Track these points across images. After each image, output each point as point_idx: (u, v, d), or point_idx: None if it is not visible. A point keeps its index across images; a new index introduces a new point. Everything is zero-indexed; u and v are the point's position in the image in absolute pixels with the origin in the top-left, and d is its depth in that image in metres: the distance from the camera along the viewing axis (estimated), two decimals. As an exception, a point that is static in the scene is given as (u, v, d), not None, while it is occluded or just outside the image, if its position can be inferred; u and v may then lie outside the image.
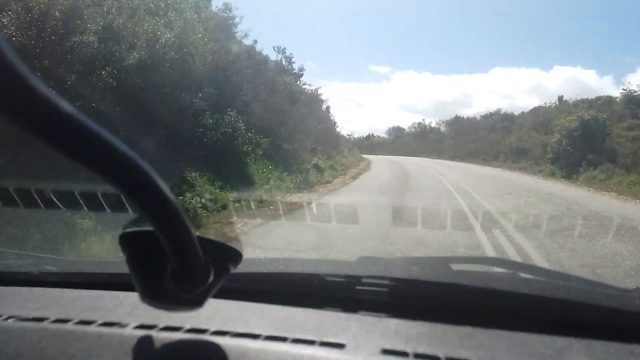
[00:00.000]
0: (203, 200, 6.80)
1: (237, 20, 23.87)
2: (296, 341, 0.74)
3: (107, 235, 4.84)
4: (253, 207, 8.12)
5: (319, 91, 30.23)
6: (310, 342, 0.74)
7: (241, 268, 0.60)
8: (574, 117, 21.75)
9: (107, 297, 0.95)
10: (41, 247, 4.41)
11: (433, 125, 65.56)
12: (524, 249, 5.27)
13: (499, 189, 12.72)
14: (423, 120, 77.50)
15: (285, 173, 12.87)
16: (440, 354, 0.71)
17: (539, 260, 4.78)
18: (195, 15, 10.21)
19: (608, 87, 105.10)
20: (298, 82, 27.01)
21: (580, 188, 14.77)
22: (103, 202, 3.64)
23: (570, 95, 40.34)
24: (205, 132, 9.85)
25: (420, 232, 5.79)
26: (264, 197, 9.59)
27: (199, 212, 6.75)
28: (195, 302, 0.56)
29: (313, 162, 15.86)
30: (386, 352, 0.72)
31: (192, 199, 6.65)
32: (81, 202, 3.78)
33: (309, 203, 9.00)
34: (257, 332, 0.76)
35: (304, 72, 27.64)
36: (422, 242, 5.37)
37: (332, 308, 0.89)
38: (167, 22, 8.38)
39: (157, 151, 6.90)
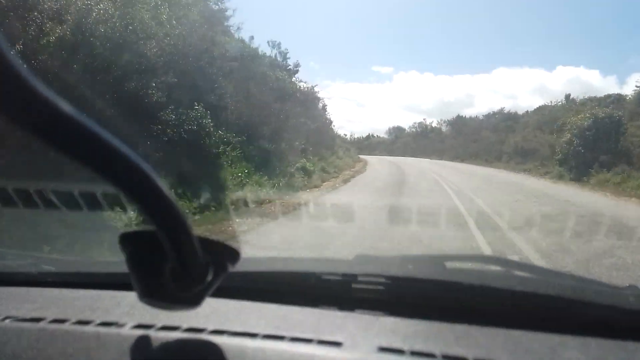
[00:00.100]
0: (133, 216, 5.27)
1: (229, 12, 22.45)
2: (294, 340, 0.74)
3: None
4: (213, 219, 6.72)
5: (316, 89, 28.79)
6: (308, 341, 0.74)
7: (239, 267, 0.59)
8: (587, 115, 20.14)
9: (105, 297, 0.94)
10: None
11: (434, 125, 64.07)
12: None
13: (506, 195, 11.18)
14: (424, 120, 76.13)
15: (266, 177, 11.36)
16: (437, 352, 0.71)
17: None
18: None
19: (612, 87, 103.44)
20: (293, 78, 25.55)
21: (595, 193, 13.21)
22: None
23: (575, 95, 38.74)
24: (165, 130, 8.35)
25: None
26: (232, 207, 8.12)
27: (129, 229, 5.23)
28: (193, 300, 0.55)
29: (300, 164, 14.35)
30: (383, 349, 0.72)
31: (120, 215, 5.12)
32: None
33: (282, 214, 7.52)
34: (254, 330, 0.76)
35: (299, 69, 26.16)
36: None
37: (329, 306, 0.89)
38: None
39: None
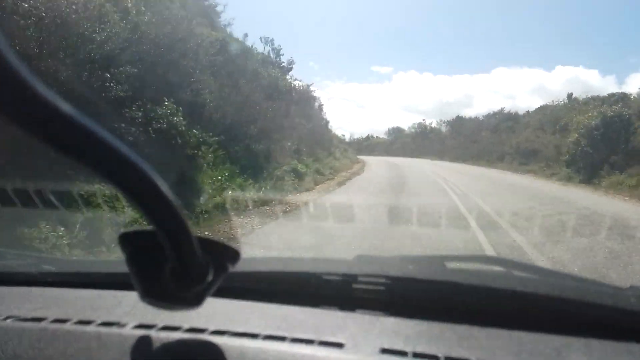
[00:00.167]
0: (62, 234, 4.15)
1: (219, 8, 21.31)
2: (295, 340, 0.73)
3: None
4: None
5: (312, 87, 27.70)
6: (309, 342, 0.73)
7: (239, 267, 0.59)
8: (595, 114, 19.03)
9: (106, 297, 0.93)
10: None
11: (434, 125, 62.98)
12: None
13: (517, 200, 10.06)
14: (423, 120, 74.89)
15: (251, 181, 10.24)
16: (439, 354, 0.70)
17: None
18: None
19: (611, 87, 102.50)
20: (287, 76, 24.45)
21: (612, 197, 12.06)
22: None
23: (576, 94, 37.83)
24: (129, 129, 7.23)
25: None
26: (205, 215, 7.02)
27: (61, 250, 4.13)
28: (194, 301, 0.55)
29: (291, 165, 13.23)
30: (385, 351, 0.71)
31: (46, 237, 3.99)
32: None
33: (261, 224, 6.41)
34: (255, 331, 0.75)
35: (293, 66, 25.08)
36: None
37: (330, 307, 0.88)
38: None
39: (32, 156, 4.37)
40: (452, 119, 58.37)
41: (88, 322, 0.78)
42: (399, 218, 7.24)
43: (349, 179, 15.58)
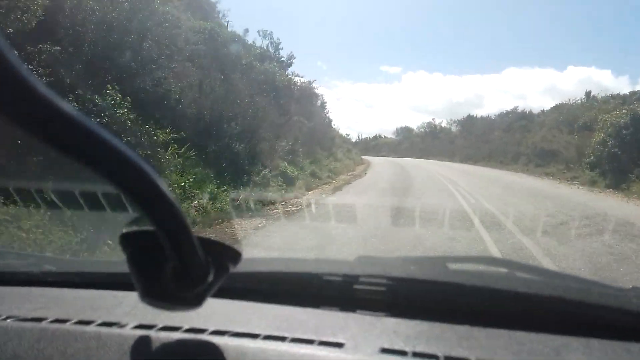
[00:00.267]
0: None
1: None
2: (295, 340, 0.73)
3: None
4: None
5: (314, 84, 26.09)
6: (309, 342, 0.72)
7: (240, 267, 0.58)
8: (624, 112, 17.14)
9: (106, 297, 0.93)
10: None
11: (444, 125, 60.95)
12: None
13: (543, 213, 8.32)
14: (433, 119, 72.75)
15: (226, 187, 8.65)
16: (439, 353, 0.70)
17: None
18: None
19: (624, 87, 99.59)
20: (286, 71, 22.86)
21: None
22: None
23: (578, 98, 36.02)
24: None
25: None
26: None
27: None
28: (195, 301, 0.55)
29: (281, 168, 11.64)
30: (385, 351, 0.71)
31: None
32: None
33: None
34: (256, 331, 0.75)
35: (293, 61, 23.45)
36: None
37: (331, 307, 0.87)
38: None
39: None
40: (463, 118, 56.29)
41: (88, 322, 0.77)
42: (399, 243, 5.59)
43: (348, 182, 13.93)
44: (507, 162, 28.90)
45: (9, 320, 0.79)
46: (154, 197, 0.45)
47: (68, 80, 6.09)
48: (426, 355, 0.69)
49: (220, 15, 20.73)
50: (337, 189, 11.86)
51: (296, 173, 12.27)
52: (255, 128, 11.56)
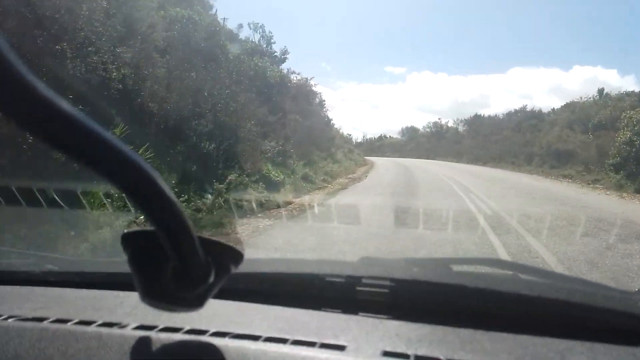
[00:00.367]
0: None
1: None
2: (296, 342, 0.72)
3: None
4: None
5: (312, 81, 24.46)
6: (311, 344, 0.71)
7: (242, 268, 0.57)
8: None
9: (108, 297, 0.92)
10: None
11: (450, 124, 59.05)
12: None
13: (580, 230, 6.60)
14: (439, 119, 70.63)
15: (187, 196, 7.02)
16: (441, 357, 0.69)
17: None
18: None
19: (630, 86, 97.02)
20: (280, 67, 21.25)
21: None
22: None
23: (590, 96, 34.18)
24: None
25: None
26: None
27: None
28: (196, 302, 0.54)
29: (263, 172, 10.01)
30: (387, 354, 0.70)
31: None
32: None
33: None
34: (257, 333, 0.74)
35: (287, 56, 21.82)
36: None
37: (333, 309, 0.86)
38: None
39: None
40: (470, 118, 54.40)
41: (89, 323, 0.77)
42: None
43: (345, 187, 12.24)
44: (519, 164, 27.06)
45: (10, 320, 0.78)
46: (154, 197, 0.44)
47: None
48: (428, 358, 0.68)
49: (214, 10, 19.19)
50: (330, 195, 10.18)
51: (282, 177, 10.62)
52: (233, 126, 9.92)
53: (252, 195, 8.42)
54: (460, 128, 55.57)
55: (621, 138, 16.05)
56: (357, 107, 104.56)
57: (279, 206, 8.33)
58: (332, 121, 28.82)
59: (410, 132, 64.64)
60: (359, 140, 60.87)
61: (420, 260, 1.53)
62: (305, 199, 9.67)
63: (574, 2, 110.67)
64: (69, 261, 1.52)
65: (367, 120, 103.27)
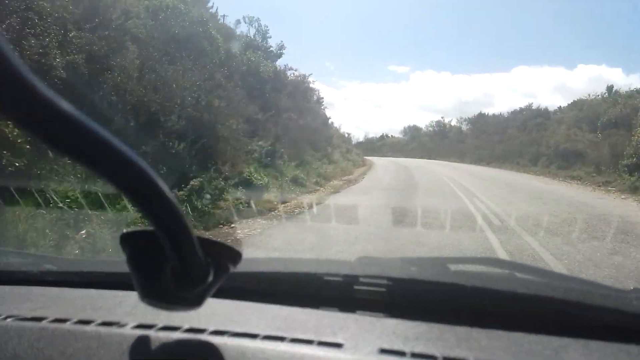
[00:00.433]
0: None
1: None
2: (294, 341, 0.71)
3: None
4: None
5: (310, 78, 23.44)
6: (309, 342, 0.71)
7: (240, 268, 0.58)
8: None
9: (106, 297, 0.91)
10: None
11: (453, 123, 57.83)
12: None
13: (605, 247, 5.54)
14: (442, 118, 69.28)
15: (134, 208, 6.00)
16: (438, 354, 0.69)
17: None
18: None
19: (635, 85, 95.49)
20: (276, 62, 20.22)
21: None
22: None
23: (599, 93, 32.95)
24: None
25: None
26: None
27: None
28: (195, 301, 0.54)
29: (244, 174, 8.99)
30: (384, 351, 0.70)
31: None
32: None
33: None
34: (255, 331, 0.73)
35: (283, 51, 20.79)
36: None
37: (330, 308, 0.86)
38: None
39: None
40: (474, 116, 53.11)
41: (88, 322, 0.76)
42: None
43: (337, 191, 11.22)
44: (524, 164, 25.91)
45: (8, 320, 0.78)
46: (153, 197, 0.44)
47: None
48: (425, 356, 0.69)
49: (211, 4, 18.19)
50: (318, 202, 9.15)
51: (266, 180, 9.59)
52: (212, 124, 8.91)
53: (228, 202, 7.41)
54: (464, 127, 54.39)
55: (637, 137, 14.94)
56: (359, 107, 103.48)
57: (254, 216, 7.31)
58: (330, 119, 27.82)
59: (413, 132, 63.48)
60: (360, 140, 59.84)
61: (417, 260, 1.53)
62: (293, 203, 8.65)
63: (579, 0, 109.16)
64: (67, 261, 1.51)
65: (370, 119, 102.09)
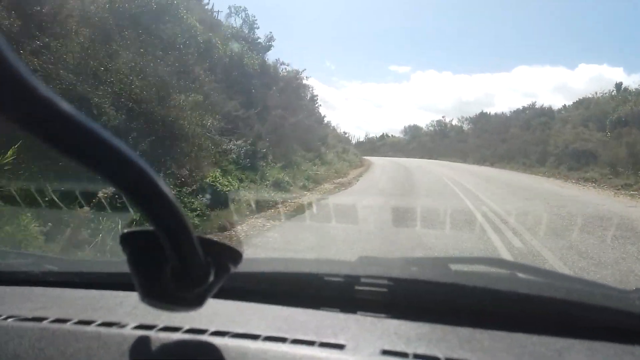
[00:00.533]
0: None
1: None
2: (296, 342, 0.70)
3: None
4: None
5: (303, 74, 21.83)
6: (310, 343, 0.70)
7: (241, 268, 0.57)
8: None
9: (107, 297, 0.90)
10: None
11: (454, 123, 56.14)
12: None
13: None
14: (443, 117, 67.35)
15: (45, 226, 4.41)
16: (440, 355, 0.68)
17: None
18: None
19: (636, 85, 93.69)
20: (265, 56, 18.63)
21: None
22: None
23: (606, 91, 31.38)
24: None
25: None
26: None
27: None
28: (195, 302, 0.53)
29: (207, 180, 7.38)
30: (386, 352, 0.69)
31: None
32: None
33: None
34: (256, 332, 0.72)
35: (272, 44, 19.16)
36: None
37: (331, 308, 0.84)
38: None
39: None
40: (475, 116, 51.41)
41: (89, 322, 0.75)
42: None
43: (323, 199, 9.62)
44: (531, 164, 24.25)
45: (9, 320, 0.77)
46: (154, 197, 0.43)
47: None
48: (427, 357, 0.67)
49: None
50: (297, 211, 7.54)
51: (235, 186, 7.99)
52: (168, 120, 7.31)
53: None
54: (465, 127, 52.74)
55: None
56: (360, 107, 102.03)
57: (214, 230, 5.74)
58: (325, 117, 26.22)
59: (413, 131, 61.81)
60: (361, 140, 58.29)
61: (418, 260, 1.51)
62: (263, 218, 7.07)
63: (580, 0, 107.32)
64: (68, 261, 1.47)
65: (371, 119, 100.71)
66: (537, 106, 40.73)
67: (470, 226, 6.31)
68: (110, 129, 6.02)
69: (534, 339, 0.73)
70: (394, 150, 54.57)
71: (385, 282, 0.84)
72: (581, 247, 5.16)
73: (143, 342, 0.68)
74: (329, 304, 0.84)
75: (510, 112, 45.12)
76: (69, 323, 0.75)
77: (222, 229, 6.17)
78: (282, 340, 0.69)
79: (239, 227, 6.22)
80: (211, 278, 0.51)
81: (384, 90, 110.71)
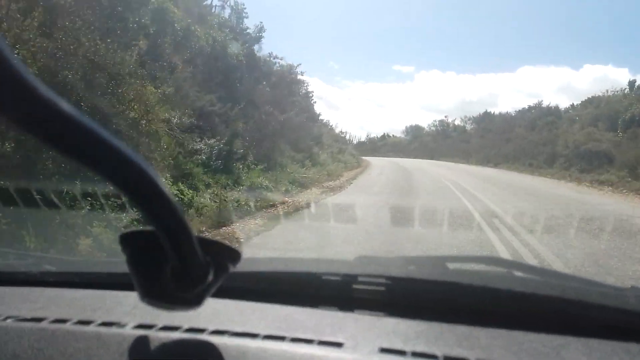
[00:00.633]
0: None
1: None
2: (294, 340, 0.70)
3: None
4: None
5: (298, 69, 20.34)
6: (309, 341, 0.70)
7: (239, 267, 0.57)
8: None
9: (106, 297, 0.89)
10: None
11: (457, 123, 54.47)
12: None
13: None
14: (445, 117, 65.59)
15: None
16: (438, 353, 0.68)
17: None
18: None
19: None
20: (254, 47, 17.13)
21: None
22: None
23: (618, 89, 29.73)
24: None
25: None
26: None
27: None
28: (195, 301, 0.54)
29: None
30: (384, 350, 0.69)
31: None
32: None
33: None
34: (255, 331, 0.72)
35: (263, 35, 17.64)
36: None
37: (330, 307, 0.84)
38: None
39: None
40: (479, 115, 49.77)
41: (88, 322, 0.75)
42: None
43: (306, 206, 8.10)
44: (538, 165, 22.63)
45: (8, 320, 0.77)
46: (153, 197, 0.43)
47: None
48: (425, 355, 0.67)
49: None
50: (266, 226, 6.03)
51: (190, 195, 6.48)
52: (106, 113, 5.81)
53: (108, 235, 4.34)
54: (468, 127, 51.12)
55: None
56: (363, 107, 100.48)
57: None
58: (320, 116, 24.71)
59: (415, 131, 60.16)
60: (362, 140, 56.79)
61: (416, 258, 1.52)
62: (231, 229, 5.56)
63: (585, 0, 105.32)
64: (67, 261, 1.46)
65: (373, 119, 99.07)
66: (543, 105, 39.08)
67: (474, 230, 4.79)
68: None
69: (532, 336, 0.74)
70: (395, 151, 53.04)
71: (383, 280, 0.85)
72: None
73: (142, 341, 0.67)
74: (327, 302, 0.84)
75: (515, 111, 43.51)
76: (68, 323, 0.75)
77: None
78: (281, 338, 0.70)
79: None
80: (210, 277, 0.50)
81: (386, 90, 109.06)
